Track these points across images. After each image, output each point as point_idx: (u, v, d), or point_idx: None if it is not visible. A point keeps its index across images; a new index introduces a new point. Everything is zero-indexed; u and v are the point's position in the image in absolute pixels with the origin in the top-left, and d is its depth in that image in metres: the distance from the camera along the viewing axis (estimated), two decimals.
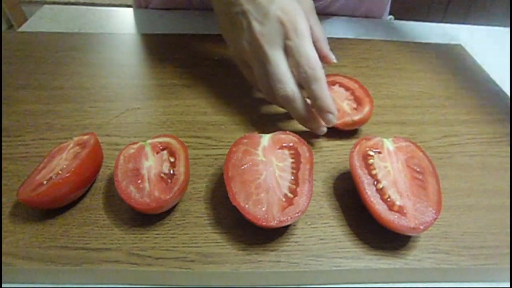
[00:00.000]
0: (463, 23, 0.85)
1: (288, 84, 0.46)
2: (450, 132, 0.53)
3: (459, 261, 0.37)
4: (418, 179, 0.40)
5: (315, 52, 0.47)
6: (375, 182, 0.40)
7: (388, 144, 0.44)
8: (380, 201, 0.38)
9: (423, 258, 0.37)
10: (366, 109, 0.50)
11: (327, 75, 0.55)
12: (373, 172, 0.41)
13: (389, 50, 0.71)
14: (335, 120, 0.48)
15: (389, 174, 0.41)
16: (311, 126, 0.49)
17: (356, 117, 0.50)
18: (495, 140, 0.52)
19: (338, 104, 0.52)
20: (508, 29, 0.84)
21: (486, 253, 0.38)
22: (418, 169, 0.41)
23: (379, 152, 0.43)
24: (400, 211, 0.37)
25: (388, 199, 0.38)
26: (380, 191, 0.39)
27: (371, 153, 0.43)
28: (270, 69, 0.47)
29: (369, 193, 0.39)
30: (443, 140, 0.51)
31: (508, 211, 0.42)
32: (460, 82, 0.63)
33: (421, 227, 0.36)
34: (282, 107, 0.51)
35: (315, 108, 0.48)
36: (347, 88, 0.54)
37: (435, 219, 0.37)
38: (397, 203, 0.38)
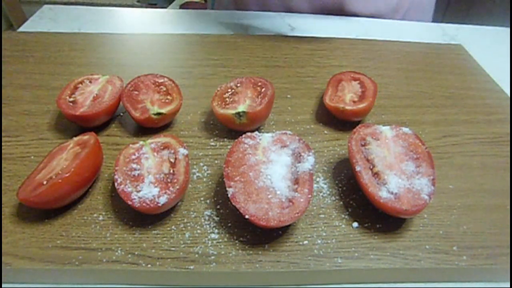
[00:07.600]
0: (463, 23, 0.85)
1: None
2: (450, 132, 0.53)
3: (459, 261, 0.37)
4: (414, 165, 0.41)
5: None
6: (371, 167, 0.41)
7: (387, 131, 0.45)
8: (376, 184, 0.39)
9: (423, 258, 0.37)
10: (361, 105, 0.51)
11: (353, 72, 0.57)
12: (370, 157, 0.42)
13: (389, 50, 0.71)
14: None
15: (386, 160, 0.42)
16: None
17: (348, 107, 0.50)
18: (495, 140, 0.52)
19: (344, 94, 0.54)
20: (508, 29, 0.84)
21: (486, 253, 0.38)
22: (415, 156, 0.42)
23: (377, 139, 0.44)
24: (395, 194, 0.38)
25: (384, 183, 0.39)
26: (376, 175, 0.40)
27: (369, 139, 0.44)
28: None
29: (365, 176, 0.40)
30: (443, 140, 0.51)
31: (508, 211, 0.42)
32: (460, 82, 0.63)
33: (413, 209, 0.37)
34: None
35: None
36: (362, 86, 0.55)
37: (427, 204, 0.38)
38: (392, 186, 0.39)
